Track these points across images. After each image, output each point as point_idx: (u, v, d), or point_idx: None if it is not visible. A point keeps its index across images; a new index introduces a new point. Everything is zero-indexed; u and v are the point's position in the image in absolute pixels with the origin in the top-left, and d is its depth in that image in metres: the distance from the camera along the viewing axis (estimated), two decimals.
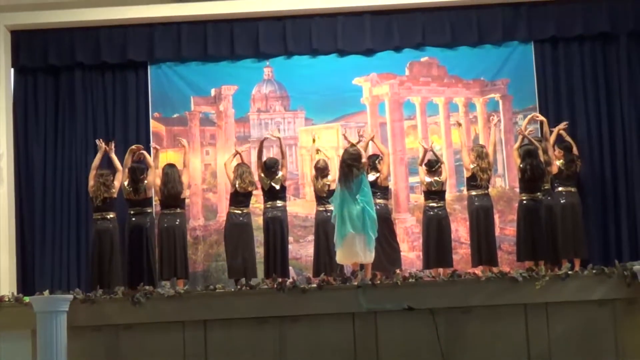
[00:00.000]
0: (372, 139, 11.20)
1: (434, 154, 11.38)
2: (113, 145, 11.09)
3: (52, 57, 12.14)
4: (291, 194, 11.90)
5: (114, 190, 10.76)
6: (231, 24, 12.13)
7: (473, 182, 11.03)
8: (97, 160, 10.98)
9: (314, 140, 11.67)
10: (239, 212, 10.95)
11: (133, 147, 11.10)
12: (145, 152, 11.12)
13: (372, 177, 10.78)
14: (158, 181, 10.87)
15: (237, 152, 11.34)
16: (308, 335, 9.39)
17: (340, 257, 10.01)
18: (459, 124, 11.52)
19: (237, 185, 10.95)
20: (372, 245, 9.85)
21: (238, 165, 11.12)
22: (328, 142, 11.92)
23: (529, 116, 11.40)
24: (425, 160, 11.23)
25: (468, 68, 12.29)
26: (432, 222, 11.03)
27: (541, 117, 11.39)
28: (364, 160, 10.22)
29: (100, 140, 11.12)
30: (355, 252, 9.79)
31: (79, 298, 9.48)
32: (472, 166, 11.00)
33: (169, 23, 12.12)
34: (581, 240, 10.97)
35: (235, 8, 12.02)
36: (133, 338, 9.44)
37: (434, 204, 11.07)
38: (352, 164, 9.94)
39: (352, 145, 10.46)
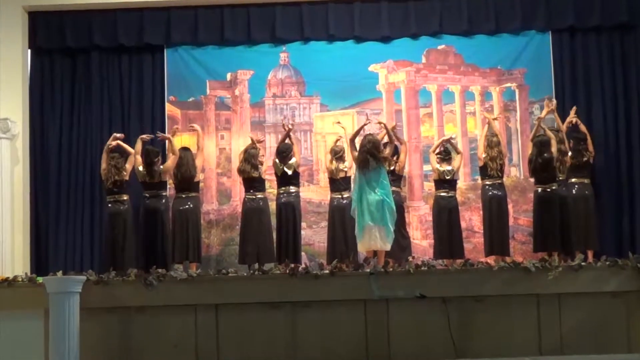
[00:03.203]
0: (387, 129, 11.20)
1: (452, 145, 11.31)
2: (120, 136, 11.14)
3: (69, 38, 12.15)
4: (305, 179, 11.91)
5: (125, 172, 10.78)
6: (248, 9, 12.12)
7: (485, 171, 11.01)
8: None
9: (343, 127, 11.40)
10: (253, 197, 10.94)
11: (143, 136, 11.09)
12: (170, 138, 11.11)
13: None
14: None
15: (257, 140, 11.34)
16: (320, 321, 9.39)
17: (360, 246, 10.12)
18: (495, 119, 11.41)
19: (240, 170, 10.96)
20: (391, 237, 9.94)
21: (245, 149, 11.10)
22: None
23: (549, 107, 11.31)
24: (440, 149, 11.21)
25: (485, 57, 12.25)
26: (442, 212, 11.01)
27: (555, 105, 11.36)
28: (387, 152, 10.25)
29: (115, 137, 11.12)
30: (375, 237, 9.87)
31: (91, 279, 9.50)
32: (483, 155, 10.98)
33: (186, 7, 12.12)
34: (592, 231, 10.95)
35: None
36: (145, 320, 9.47)
37: (445, 194, 11.05)
38: (370, 150, 9.97)
39: (371, 133, 10.51)
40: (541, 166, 10.61)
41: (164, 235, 10.79)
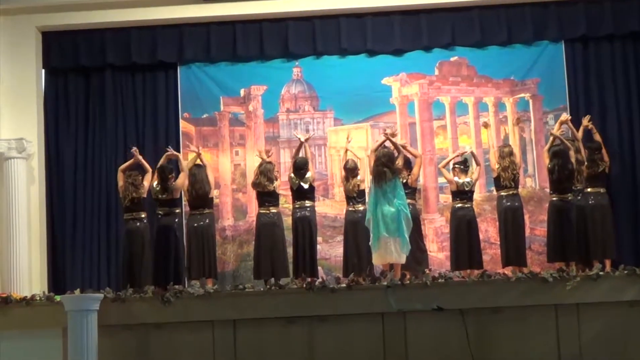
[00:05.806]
0: (404, 147, 11.16)
1: (474, 157, 11.30)
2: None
3: (83, 58, 12.22)
4: (320, 194, 11.89)
5: (142, 190, 10.76)
6: (260, 24, 12.15)
7: (499, 182, 10.98)
8: (126, 164, 11.01)
9: (348, 141, 11.50)
10: (267, 211, 10.90)
11: (169, 153, 11.09)
12: (179, 156, 11.14)
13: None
14: (187, 182, 10.88)
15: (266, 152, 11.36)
16: (337, 335, 9.39)
17: (376, 259, 10.07)
18: (487, 125, 11.50)
19: (256, 183, 10.95)
20: (407, 248, 9.91)
21: (260, 164, 11.10)
22: (357, 142, 11.87)
23: (560, 120, 11.29)
24: (456, 160, 11.20)
25: (498, 68, 12.23)
26: (461, 223, 10.97)
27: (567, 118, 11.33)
28: (399, 163, 10.25)
29: (136, 149, 11.12)
30: (390, 251, 9.84)
31: (109, 297, 9.54)
32: (496, 166, 10.95)
33: (198, 24, 12.16)
34: (610, 240, 10.89)
35: (264, 8, 12.03)
36: (163, 337, 9.49)
37: (463, 205, 11.01)
38: (386, 163, 9.99)
39: (385, 146, 10.51)
40: (566, 177, 10.56)
41: (177, 253, 10.75)
